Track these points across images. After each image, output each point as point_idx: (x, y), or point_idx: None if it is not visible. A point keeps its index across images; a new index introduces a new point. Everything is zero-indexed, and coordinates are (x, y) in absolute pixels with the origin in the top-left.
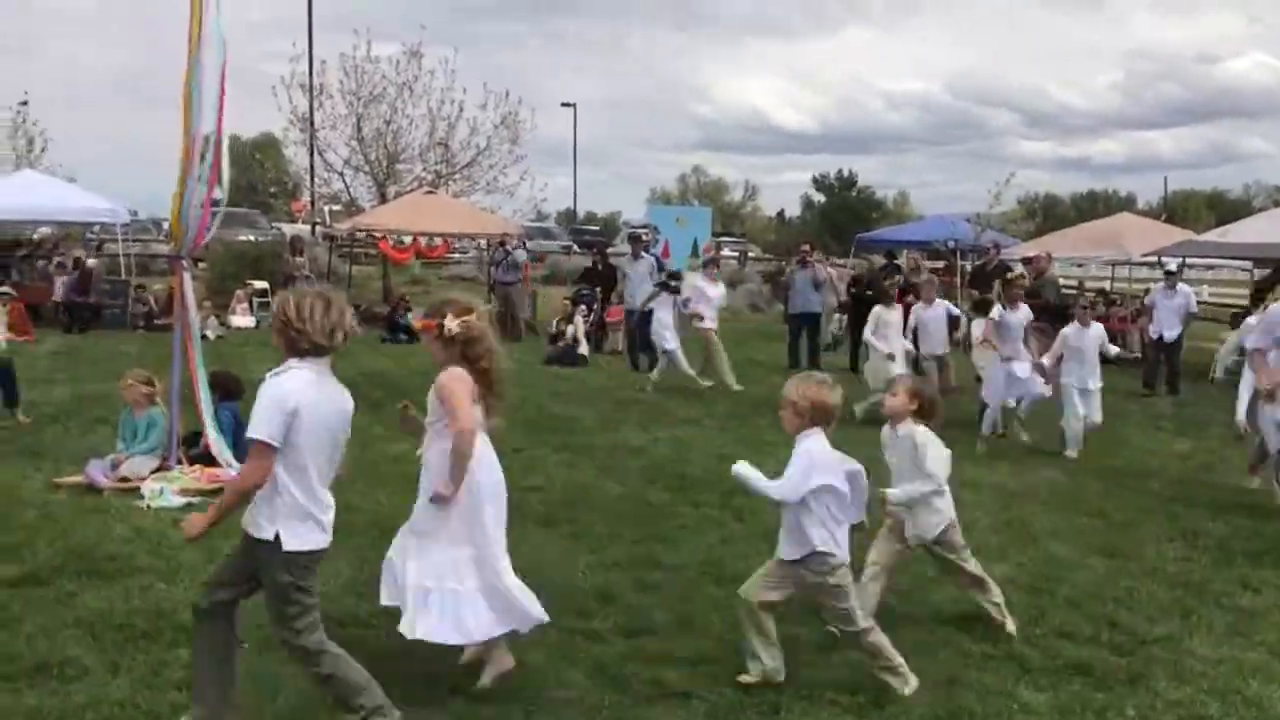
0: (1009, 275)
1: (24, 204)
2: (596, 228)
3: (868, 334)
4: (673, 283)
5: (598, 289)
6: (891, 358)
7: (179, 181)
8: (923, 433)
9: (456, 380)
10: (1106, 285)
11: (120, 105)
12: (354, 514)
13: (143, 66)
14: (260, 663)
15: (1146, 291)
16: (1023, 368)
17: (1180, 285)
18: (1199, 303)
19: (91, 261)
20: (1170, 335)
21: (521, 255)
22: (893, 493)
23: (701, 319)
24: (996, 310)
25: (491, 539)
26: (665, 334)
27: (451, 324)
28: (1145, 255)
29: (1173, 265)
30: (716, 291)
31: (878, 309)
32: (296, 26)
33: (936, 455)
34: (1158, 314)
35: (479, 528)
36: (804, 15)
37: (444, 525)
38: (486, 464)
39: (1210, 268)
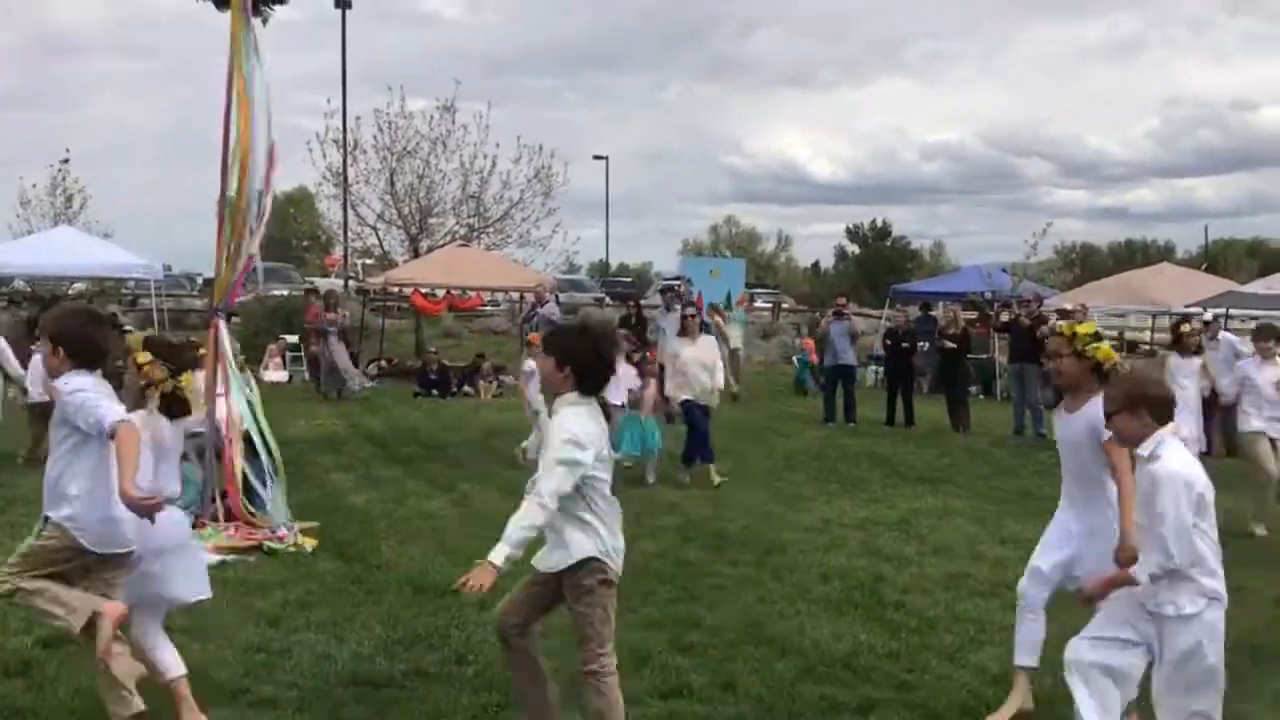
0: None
1: (60, 261)
2: (629, 279)
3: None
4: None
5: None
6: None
7: (229, 235)
8: None
9: None
10: (1146, 335)
11: (157, 161)
12: (387, 572)
13: (180, 124)
14: None
15: None
16: None
17: (1222, 334)
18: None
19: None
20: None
21: (555, 310)
22: None
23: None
24: None
25: None
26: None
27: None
28: (1187, 306)
29: (1209, 315)
30: (1274, 376)
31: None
32: (331, 82)
33: None
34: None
35: None
36: (837, 67)
37: None
38: None
39: (1255, 319)
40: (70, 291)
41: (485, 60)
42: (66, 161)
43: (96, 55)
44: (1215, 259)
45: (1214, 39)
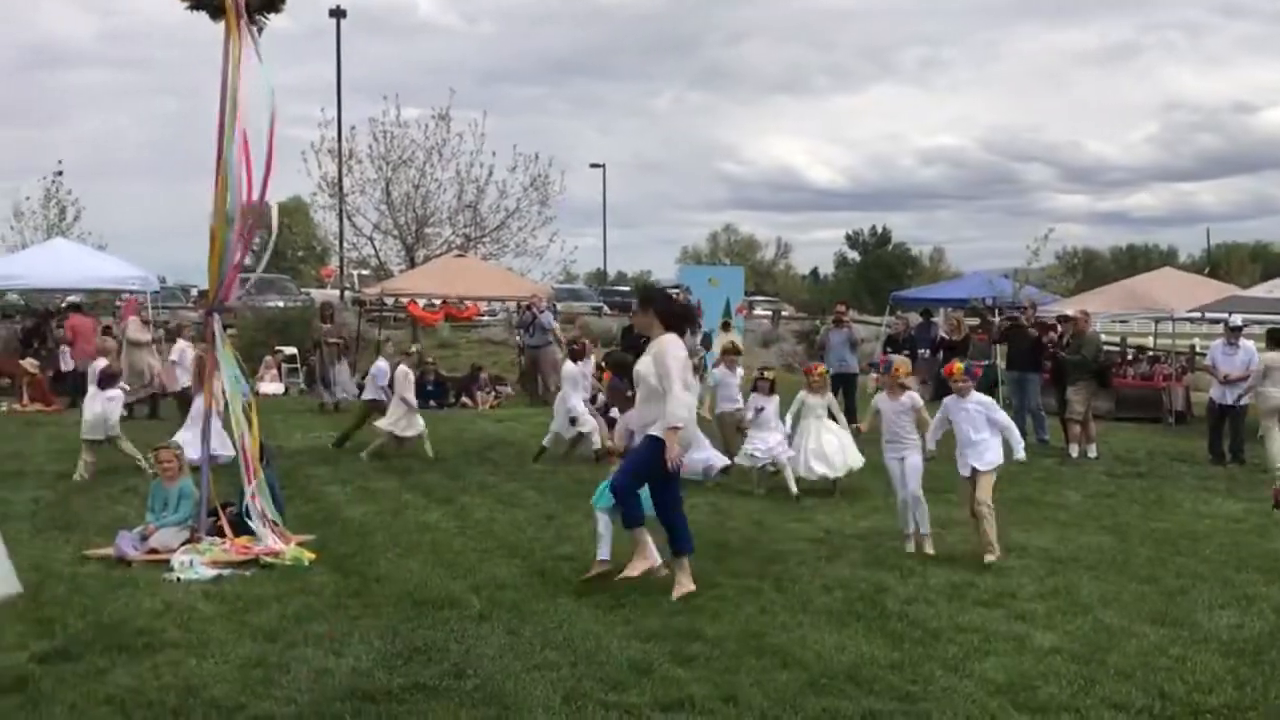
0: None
1: (55, 273)
2: (627, 288)
3: None
4: None
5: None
6: None
7: (215, 239)
8: None
9: None
10: (1149, 341)
11: (152, 174)
12: (385, 585)
13: (175, 136)
14: None
15: (1193, 349)
16: None
17: (1243, 341)
18: None
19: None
20: (1234, 398)
21: (548, 318)
22: None
23: None
24: None
25: None
26: None
27: None
28: (1190, 311)
29: (1238, 320)
30: None
31: None
32: (325, 92)
33: None
34: (1220, 374)
35: None
36: (832, 73)
37: None
38: None
39: (1257, 322)
40: (64, 303)
41: (479, 69)
42: (60, 174)
43: (88, 68)
44: (1218, 263)
45: (1211, 43)
